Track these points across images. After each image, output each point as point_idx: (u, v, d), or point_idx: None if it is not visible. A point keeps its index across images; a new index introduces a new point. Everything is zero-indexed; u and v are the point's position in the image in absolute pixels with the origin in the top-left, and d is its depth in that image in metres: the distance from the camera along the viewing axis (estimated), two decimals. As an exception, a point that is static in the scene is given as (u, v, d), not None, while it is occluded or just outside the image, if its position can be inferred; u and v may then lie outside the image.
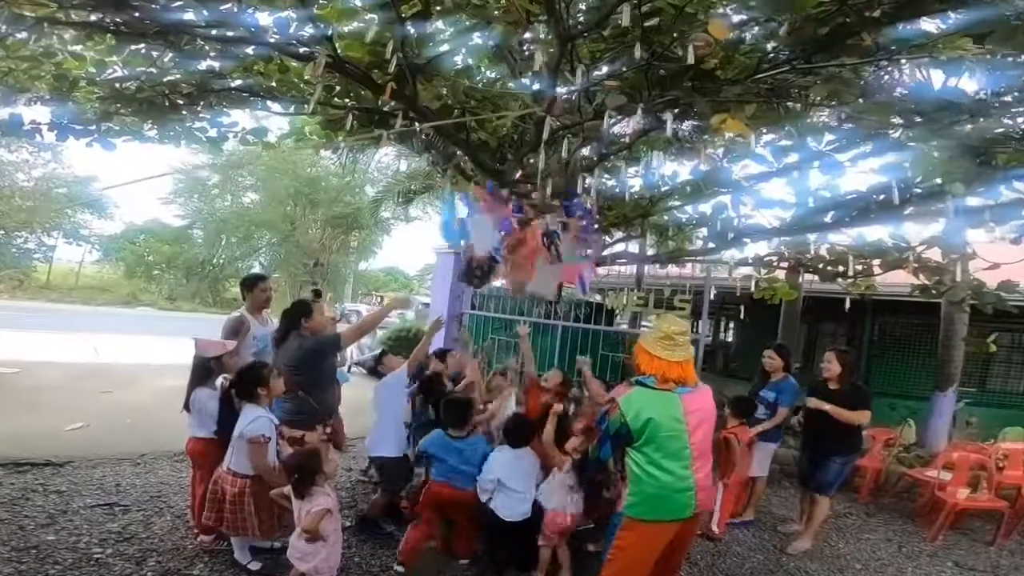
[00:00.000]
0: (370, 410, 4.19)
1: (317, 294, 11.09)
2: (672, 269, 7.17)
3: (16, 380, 8.15)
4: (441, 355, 4.70)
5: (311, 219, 28.76)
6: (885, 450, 6.42)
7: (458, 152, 6.59)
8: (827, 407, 4.39)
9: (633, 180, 6.79)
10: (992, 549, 5.05)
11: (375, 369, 4.40)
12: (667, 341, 2.70)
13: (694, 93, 4.18)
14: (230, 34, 4.48)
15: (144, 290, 30.99)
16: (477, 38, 4.76)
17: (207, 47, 4.80)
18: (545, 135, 3.45)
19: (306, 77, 5.05)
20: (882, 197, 4.74)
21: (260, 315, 4.38)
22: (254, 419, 3.19)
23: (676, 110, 3.94)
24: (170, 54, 4.89)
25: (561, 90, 4.45)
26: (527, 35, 4.97)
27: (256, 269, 34.17)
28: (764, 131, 4.45)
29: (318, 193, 27.54)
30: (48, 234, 29.91)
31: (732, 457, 4.30)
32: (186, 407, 3.62)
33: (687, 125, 6.10)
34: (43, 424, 6.05)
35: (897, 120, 4.43)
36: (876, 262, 5.48)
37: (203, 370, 3.62)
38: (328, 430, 3.73)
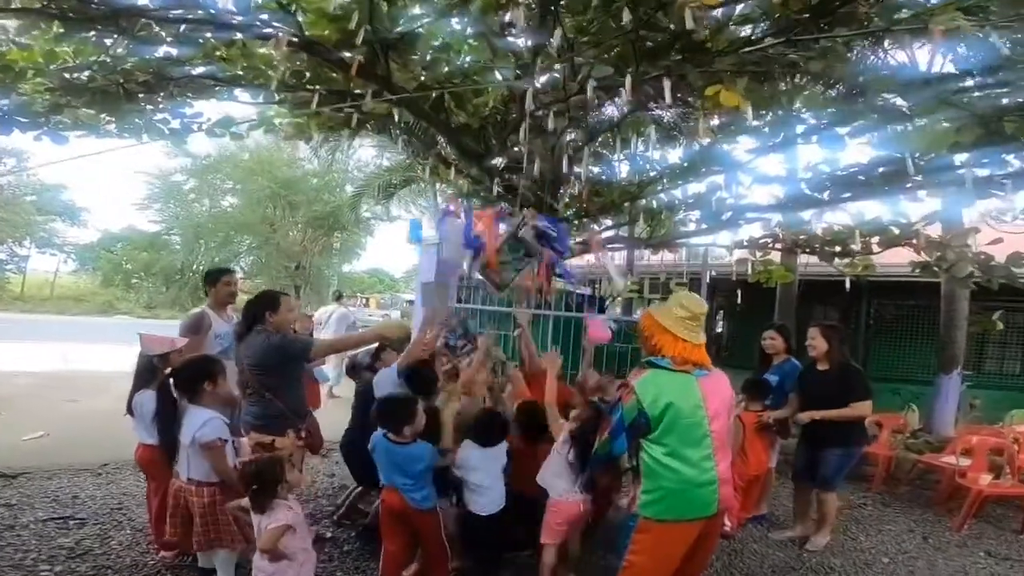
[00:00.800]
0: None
1: (339, 296, 10.76)
2: (665, 255, 6.96)
3: (-27, 390, 7.76)
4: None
5: (291, 221, 28.21)
6: (893, 436, 6.22)
7: (439, 140, 6.31)
8: (818, 415, 4.06)
9: (620, 165, 6.56)
10: (1023, 537, 4.85)
11: (371, 366, 3.95)
12: (692, 322, 2.42)
13: (685, 64, 3.94)
14: (188, 16, 4.16)
15: (122, 299, 30.25)
16: (456, 22, 4.49)
17: (163, 32, 4.47)
18: (529, 103, 3.16)
19: (274, 62, 4.73)
20: (881, 170, 4.55)
21: (224, 312, 4.06)
22: (205, 422, 2.85)
23: (666, 82, 3.68)
24: (124, 41, 4.56)
25: (545, 73, 4.20)
26: (507, 16, 4.71)
27: (238, 273, 33.49)
28: (759, 106, 4.20)
29: (296, 194, 27.01)
30: (19, 244, 29.12)
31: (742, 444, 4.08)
32: (129, 411, 3.30)
33: (672, 111, 5.89)
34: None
35: (895, 97, 4.25)
36: (875, 240, 5.28)
37: (148, 370, 3.29)
38: (302, 434, 3.41)
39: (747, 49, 4.13)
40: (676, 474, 2.28)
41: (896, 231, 5.07)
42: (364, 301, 25.50)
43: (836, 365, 4.18)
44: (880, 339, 9.26)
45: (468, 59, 4.34)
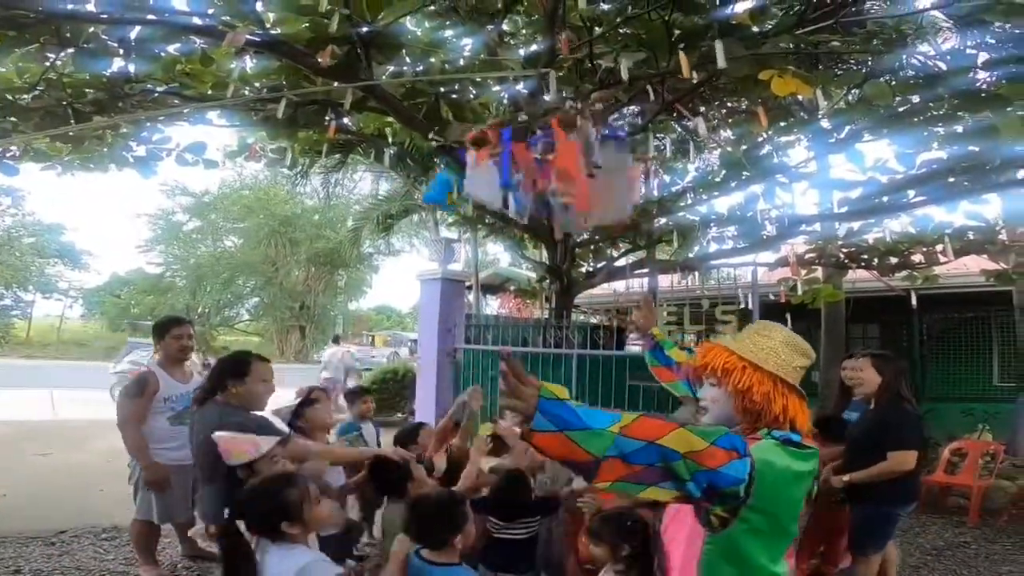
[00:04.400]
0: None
1: (336, 339, 10.30)
2: (675, 278, 6.20)
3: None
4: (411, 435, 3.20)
5: (293, 260, 27.72)
6: (981, 461, 5.35)
7: (436, 161, 5.67)
8: (847, 479, 3.09)
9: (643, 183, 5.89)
10: None
11: (294, 425, 2.84)
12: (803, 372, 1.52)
13: (729, 46, 3.29)
14: (129, 16, 3.56)
15: (126, 343, 29.63)
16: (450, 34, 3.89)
17: (111, 42, 3.88)
18: (551, 90, 2.47)
19: (237, 67, 4.12)
20: (964, 165, 3.85)
21: (180, 370, 3.30)
22: (302, 569, 1.82)
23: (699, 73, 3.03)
24: (69, 55, 3.98)
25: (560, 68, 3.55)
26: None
27: (243, 316, 32.99)
28: (823, 95, 3.56)
29: (296, 231, 26.53)
30: (24, 289, 28.71)
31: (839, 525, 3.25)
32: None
33: (710, 109, 5.22)
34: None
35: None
36: (939, 248, 4.59)
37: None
38: None
39: (802, 31, 3.51)
40: None
41: (972, 236, 4.39)
42: (370, 339, 24.79)
43: (886, 402, 3.18)
44: (938, 356, 8.37)
45: (467, 50, 3.68)
